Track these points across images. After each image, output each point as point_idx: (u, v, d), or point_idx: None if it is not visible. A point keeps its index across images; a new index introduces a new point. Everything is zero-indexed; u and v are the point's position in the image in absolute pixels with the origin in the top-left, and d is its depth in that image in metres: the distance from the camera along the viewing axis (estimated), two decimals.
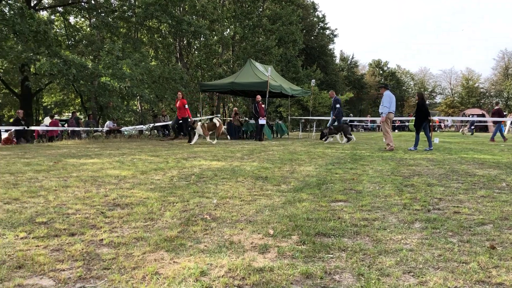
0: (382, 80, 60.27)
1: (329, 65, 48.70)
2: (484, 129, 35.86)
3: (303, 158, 9.05)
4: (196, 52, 31.96)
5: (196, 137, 14.74)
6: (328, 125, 15.95)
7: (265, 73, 20.04)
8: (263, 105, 17.99)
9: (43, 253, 2.51)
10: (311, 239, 2.82)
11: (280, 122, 24.49)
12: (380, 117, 11.93)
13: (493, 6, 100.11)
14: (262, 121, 17.83)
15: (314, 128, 25.09)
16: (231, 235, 2.93)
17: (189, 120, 15.54)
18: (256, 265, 2.32)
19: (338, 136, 15.81)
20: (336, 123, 16.40)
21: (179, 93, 16.59)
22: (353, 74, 58.02)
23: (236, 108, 22.73)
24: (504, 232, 3.00)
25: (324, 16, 49.69)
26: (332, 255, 2.52)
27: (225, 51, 31.23)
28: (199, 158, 8.82)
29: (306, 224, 3.20)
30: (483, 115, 38.10)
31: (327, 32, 50.97)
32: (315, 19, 48.92)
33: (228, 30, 30.75)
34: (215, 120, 14.86)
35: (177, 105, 16.35)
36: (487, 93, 58.86)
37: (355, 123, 36.19)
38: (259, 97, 17.83)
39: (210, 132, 14.34)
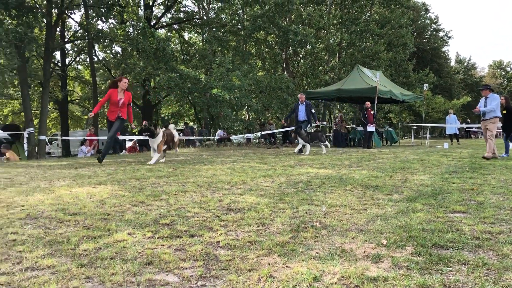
0: (505, 83, 55.13)
1: (443, 68, 45.89)
2: None
3: (416, 166, 8.64)
4: (302, 61, 32.24)
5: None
6: (300, 128, 13.07)
7: (373, 78, 19.53)
8: (372, 112, 17.54)
9: (168, 252, 2.73)
10: (427, 250, 2.70)
11: (390, 128, 23.62)
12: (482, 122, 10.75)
13: None
14: (371, 128, 17.38)
15: (428, 135, 23.75)
16: (342, 243, 2.92)
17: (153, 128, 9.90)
18: (369, 274, 2.29)
19: (308, 147, 13.34)
20: (305, 130, 13.84)
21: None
22: (470, 77, 53.95)
23: (341, 114, 22.32)
24: None
25: (437, 17, 47.27)
26: (451, 268, 2.39)
27: (331, 58, 31.04)
28: (306, 166, 8.87)
29: (421, 235, 3.07)
30: None
31: (441, 34, 48.15)
32: (427, 20, 46.53)
33: (335, 36, 30.53)
34: (171, 128, 10.72)
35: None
36: None
37: (474, 129, 33.48)
38: (368, 104, 17.41)
39: (165, 147, 10.04)
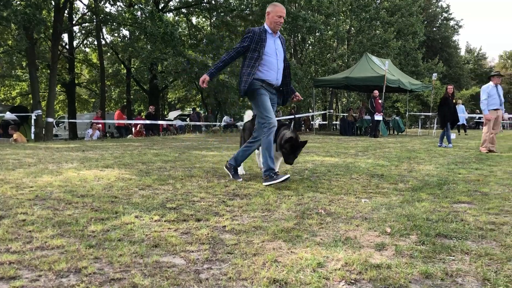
0: None
1: (452, 57, 45.42)
2: None
3: (422, 156, 8.63)
4: (310, 48, 32.00)
5: None
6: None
7: (382, 67, 19.39)
8: (380, 101, 17.46)
9: (174, 235, 2.78)
10: (431, 239, 2.73)
11: (397, 118, 23.52)
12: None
13: None
14: (378, 117, 17.33)
15: (435, 125, 23.62)
16: (347, 231, 2.95)
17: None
18: (372, 261, 2.32)
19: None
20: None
21: None
22: (480, 67, 53.34)
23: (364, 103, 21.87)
24: None
25: (448, 6, 46.52)
26: (453, 257, 2.41)
27: (340, 45, 30.80)
28: (311, 154, 8.89)
29: (425, 225, 3.09)
30: None
31: (451, 23, 47.55)
32: (437, 9, 45.91)
33: (344, 24, 30.24)
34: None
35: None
36: None
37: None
38: (376, 92, 17.33)
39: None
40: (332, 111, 29.88)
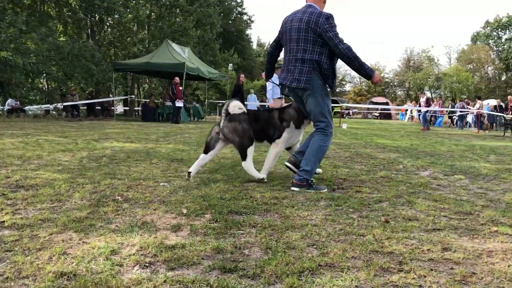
0: None
1: (246, 50, 49.04)
2: (388, 116, 38.45)
3: None
4: (109, 30, 30.51)
5: None
6: None
7: (182, 54, 19.74)
8: (180, 88, 17.76)
9: None
10: (224, 217, 2.91)
11: (197, 105, 24.33)
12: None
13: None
14: (180, 103, 17.62)
15: None
16: (144, 215, 2.92)
17: None
18: (168, 242, 2.35)
19: None
20: None
21: None
22: None
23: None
24: (398, 208, 3.31)
25: (242, 1, 49.68)
26: (242, 231, 2.62)
27: (140, 29, 30.15)
28: (111, 140, 8.55)
29: (219, 203, 3.27)
30: (386, 103, 40.82)
31: (245, 17, 51.11)
32: (233, 3, 48.79)
33: (144, 8, 29.66)
34: None
35: None
36: (391, 83, 63.00)
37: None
38: (177, 79, 17.56)
39: None
40: (133, 96, 29.17)
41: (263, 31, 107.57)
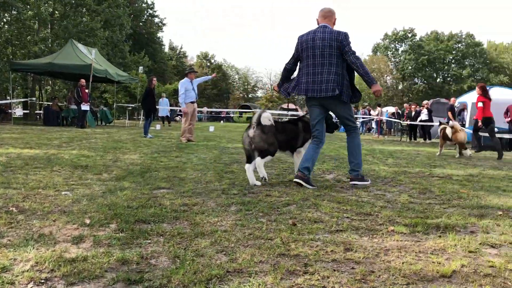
0: (210, 72, 62.04)
1: (157, 53, 48.06)
2: None
3: (128, 146, 8.82)
4: (6, 26, 28.17)
5: None
6: None
7: (88, 55, 18.82)
8: (86, 90, 16.91)
9: None
10: (130, 226, 2.80)
11: (105, 108, 23.33)
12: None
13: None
14: (85, 106, 16.77)
15: (142, 117, 24.55)
16: (41, 227, 2.72)
17: None
18: (68, 256, 2.21)
19: None
20: None
21: None
22: (181, 64, 58.24)
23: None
24: (305, 211, 3.42)
25: (153, 3, 48.63)
26: (149, 241, 2.54)
27: (43, 28, 28.22)
28: (6, 146, 7.89)
29: (126, 212, 3.15)
30: (296, 110, 42.33)
31: (156, 20, 50.08)
32: (143, 5, 47.59)
33: (46, 5, 27.82)
34: None
35: None
36: None
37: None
38: (83, 81, 16.72)
39: None
40: (34, 99, 27.21)
41: (175, 34, 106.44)
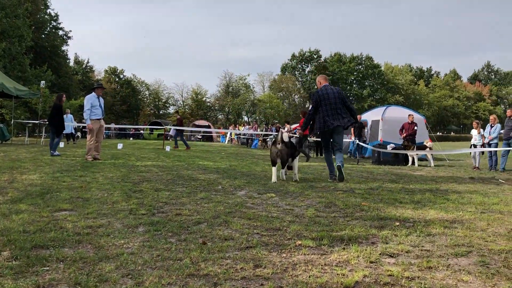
0: (118, 87, 60.04)
1: (62, 67, 45.48)
2: (210, 139, 39.84)
3: (27, 165, 8.20)
4: None
5: None
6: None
7: None
8: None
9: None
10: (26, 253, 2.58)
11: (1, 125, 21.49)
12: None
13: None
14: None
15: (44, 134, 22.99)
16: None
17: None
18: None
19: None
20: None
21: None
22: (88, 79, 55.71)
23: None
24: (215, 229, 3.41)
25: (57, 15, 46.12)
26: (48, 268, 2.36)
27: None
28: None
29: (21, 238, 2.91)
30: (208, 126, 42.36)
31: (60, 32, 47.51)
32: (46, 16, 44.97)
33: None
34: None
35: None
36: (212, 107, 65.73)
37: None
38: None
39: None
40: None
41: (81, 48, 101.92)
